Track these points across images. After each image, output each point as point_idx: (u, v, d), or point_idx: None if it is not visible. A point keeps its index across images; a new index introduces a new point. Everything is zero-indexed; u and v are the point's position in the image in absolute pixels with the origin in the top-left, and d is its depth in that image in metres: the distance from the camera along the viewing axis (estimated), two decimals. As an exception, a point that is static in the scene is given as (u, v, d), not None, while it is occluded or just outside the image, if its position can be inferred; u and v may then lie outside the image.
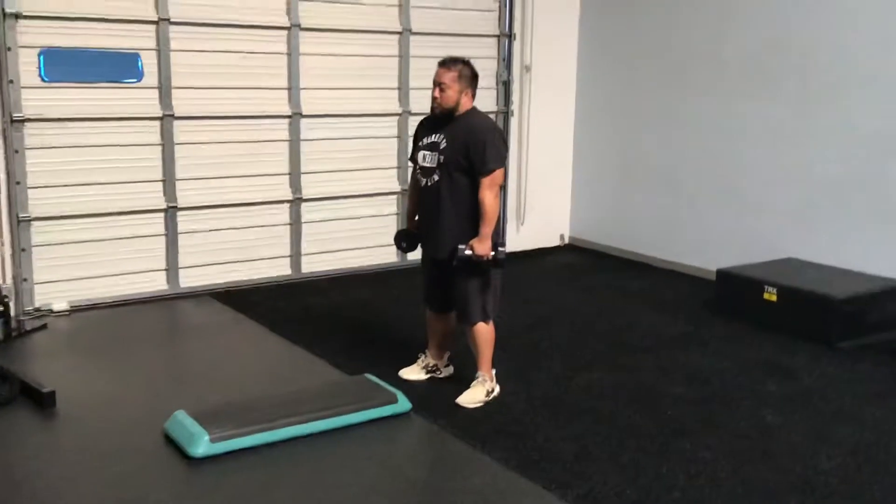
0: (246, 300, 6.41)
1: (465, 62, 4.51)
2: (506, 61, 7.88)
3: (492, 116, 7.73)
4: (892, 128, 6.05)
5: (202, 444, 3.83)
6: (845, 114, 6.33)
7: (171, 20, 6.17)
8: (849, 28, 6.27)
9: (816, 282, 5.98)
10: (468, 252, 4.39)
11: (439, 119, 4.52)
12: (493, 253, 4.42)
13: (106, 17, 5.95)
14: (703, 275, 7.07)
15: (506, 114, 7.95)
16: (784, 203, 6.76)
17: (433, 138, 4.52)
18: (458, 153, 4.42)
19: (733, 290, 6.30)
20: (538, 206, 8.33)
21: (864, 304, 5.81)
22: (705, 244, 7.32)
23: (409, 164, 4.77)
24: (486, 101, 7.73)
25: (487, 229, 4.40)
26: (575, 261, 8.15)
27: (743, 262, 6.50)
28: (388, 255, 7.37)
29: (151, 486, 3.68)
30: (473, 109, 4.56)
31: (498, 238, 4.50)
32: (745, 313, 6.12)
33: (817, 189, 6.54)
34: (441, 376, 4.93)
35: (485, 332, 4.60)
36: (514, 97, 8.00)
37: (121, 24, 6.02)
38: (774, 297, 5.96)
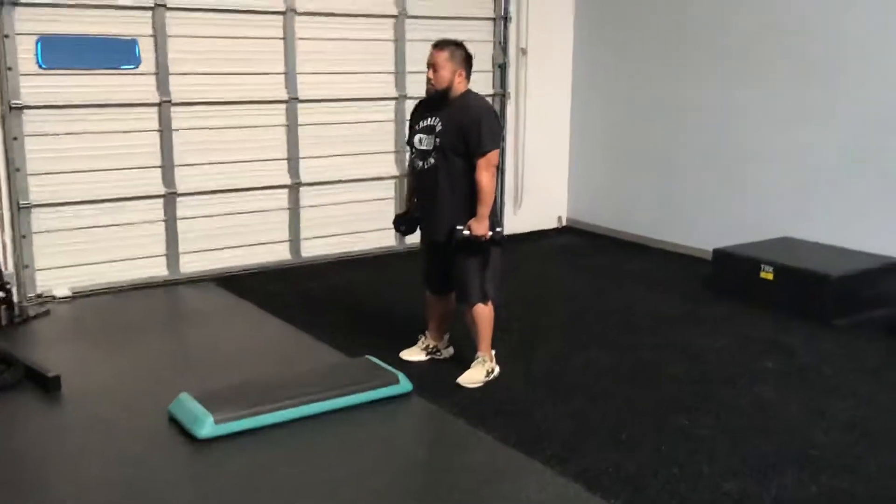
0: (245, 285, 6.45)
1: (458, 44, 4.55)
2: (502, 44, 7.90)
3: (488, 99, 7.75)
4: (887, 108, 6.08)
5: (207, 426, 3.87)
6: (840, 94, 6.35)
7: (168, 6, 6.18)
8: (844, 9, 6.29)
9: (812, 260, 6.03)
10: (466, 232, 4.43)
11: (434, 101, 4.56)
12: (490, 233, 4.46)
13: (103, 3, 5.96)
14: (700, 255, 7.12)
15: (502, 97, 7.97)
16: (779, 183, 6.80)
17: (429, 121, 4.55)
18: (453, 135, 4.46)
19: (730, 269, 6.35)
20: (535, 188, 8.35)
21: (860, 282, 5.86)
22: (702, 225, 7.36)
23: (407, 147, 4.80)
24: (482, 84, 7.74)
25: (484, 210, 4.44)
26: (572, 242, 8.20)
27: (739, 242, 6.54)
28: (385, 239, 7.42)
29: (158, 467, 3.74)
30: (468, 91, 4.59)
31: (495, 218, 4.55)
32: (742, 292, 6.17)
33: (812, 169, 6.57)
34: (441, 357, 4.98)
35: (484, 313, 4.64)
36: (511, 80, 8.02)
37: (118, 10, 6.04)
38: (771, 276, 6.00)
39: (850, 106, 6.31)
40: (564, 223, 8.69)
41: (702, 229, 7.31)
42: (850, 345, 5.34)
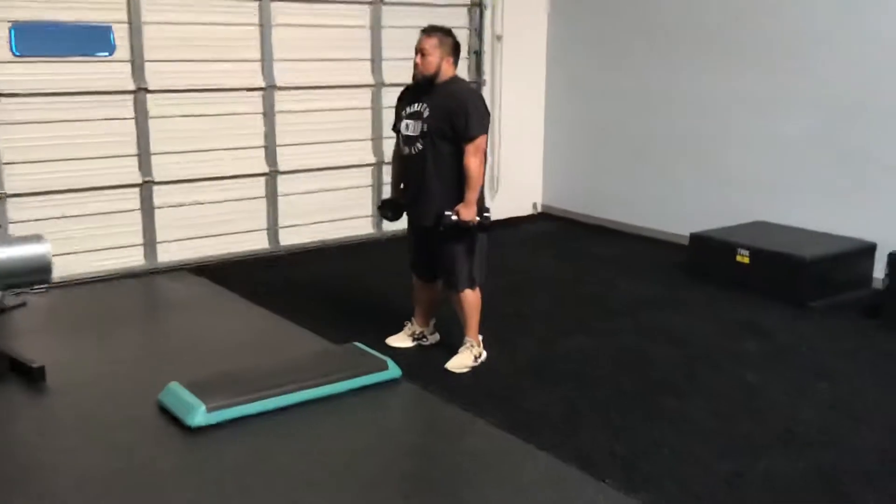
0: (224, 274, 6.40)
1: (447, 31, 4.57)
2: (477, 31, 7.90)
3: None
4: (857, 93, 6.19)
5: (199, 414, 3.85)
6: (809, 82, 6.46)
7: (142, -8, 6.11)
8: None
9: (787, 243, 6.13)
10: (454, 218, 4.44)
11: (421, 87, 4.56)
12: (478, 218, 4.48)
13: (77, -11, 5.87)
14: (676, 240, 7.19)
15: (478, 83, 7.97)
16: (751, 167, 6.90)
17: (416, 107, 4.55)
18: (441, 121, 4.47)
19: (706, 253, 6.43)
20: (511, 175, 8.37)
21: (833, 265, 5.97)
22: (677, 210, 7.43)
23: (393, 133, 4.79)
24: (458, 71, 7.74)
25: (472, 195, 4.46)
26: (549, 229, 8.25)
27: (713, 227, 6.62)
28: (364, 227, 7.43)
29: (151, 456, 3.71)
30: (455, 77, 4.61)
31: (483, 203, 4.57)
32: (719, 276, 6.25)
33: (785, 154, 6.67)
34: (427, 343, 4.99)
35: (471, 299, 4.66)
36: (486, 67, 8.03)
37: (92, -4, 5.95)
38: (747, 260, 6.09)
39: (819, 93, 6.40)
40: (539, 210, 8.74)
41: (677, 215, 7.38)
42: (827, 326, 5.46)
